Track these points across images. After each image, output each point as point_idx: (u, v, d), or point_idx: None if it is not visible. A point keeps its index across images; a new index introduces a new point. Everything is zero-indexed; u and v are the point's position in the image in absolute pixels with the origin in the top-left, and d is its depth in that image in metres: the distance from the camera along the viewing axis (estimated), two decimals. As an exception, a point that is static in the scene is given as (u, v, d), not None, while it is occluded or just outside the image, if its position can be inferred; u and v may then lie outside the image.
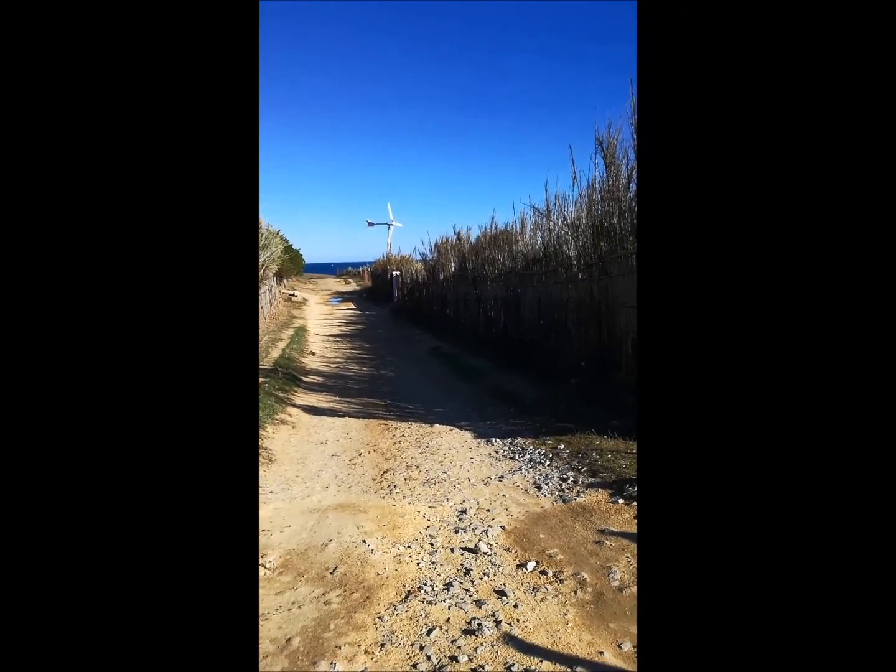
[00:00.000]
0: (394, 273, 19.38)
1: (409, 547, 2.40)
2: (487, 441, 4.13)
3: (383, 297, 20.80)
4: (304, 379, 7.13)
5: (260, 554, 2.31)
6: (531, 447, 3.85)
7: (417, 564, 2.25)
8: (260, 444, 4.13)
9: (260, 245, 11.10)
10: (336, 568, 2.22)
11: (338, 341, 11.16)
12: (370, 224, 34.49)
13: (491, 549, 2.36)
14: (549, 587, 2.04)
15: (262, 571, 2.19)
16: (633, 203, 5.30)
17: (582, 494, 2.93)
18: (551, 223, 7.26)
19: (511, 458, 3.68)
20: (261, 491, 3.20)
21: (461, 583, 2.09)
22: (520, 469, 3.45)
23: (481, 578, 2.12)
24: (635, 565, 2.10)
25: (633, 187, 5.36)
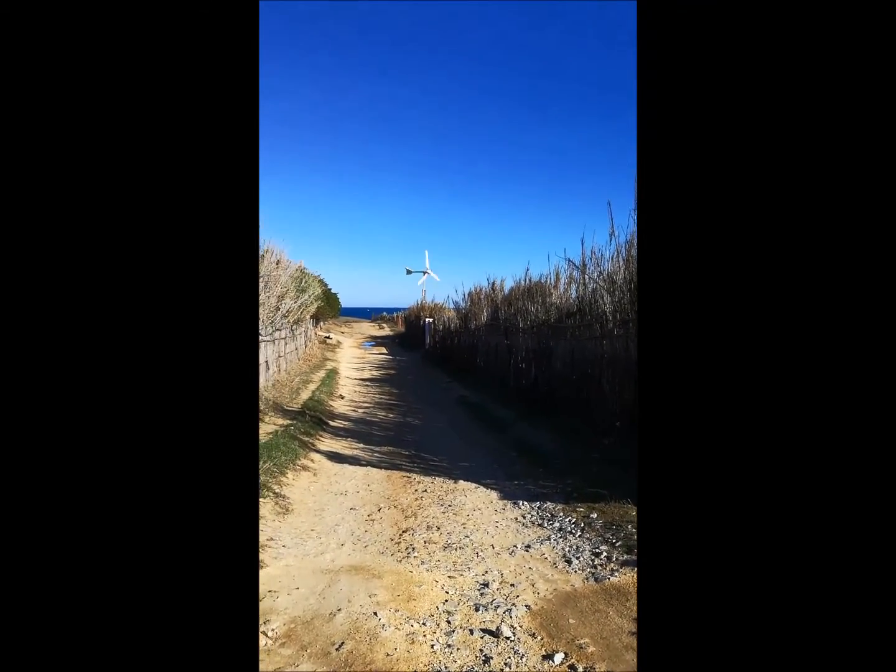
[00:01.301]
0: (427, 320, 19.49)
1: (423, 624, 2.20)
2: (514, 504, 3.89)
3: (415, 343, 20.87)
4: (331, 423, 7.05)
5: (263, 620, 2.15)
6: (561, 514, 3.60)
7: (432, 646, 2.04)
8: (279, 491, 4.01)
9: (299, 287, 11.36)
10: (343, 644, 2.03)
11: (367, 385, 11.12)
12: (409, 272, 35.31)
13: (514, 634, 2.12)
14: (579, 688, 1.80)
15: (262, 640, 2.02)
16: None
17: (616, 573, 2.66)
18: (587, 277, 7.16)
19: (539, 525, 3.44)
20: (273, 544, 3.05)
21: (479, 674, 1.87)
22: (548, 538, 3.20)
23: (502, 670, 1.89)
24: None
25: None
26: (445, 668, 1.90)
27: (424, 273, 34.01)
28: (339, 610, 2.28)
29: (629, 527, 3.22)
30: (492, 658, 1.96)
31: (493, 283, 11.96)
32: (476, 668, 1.90)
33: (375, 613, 2.25)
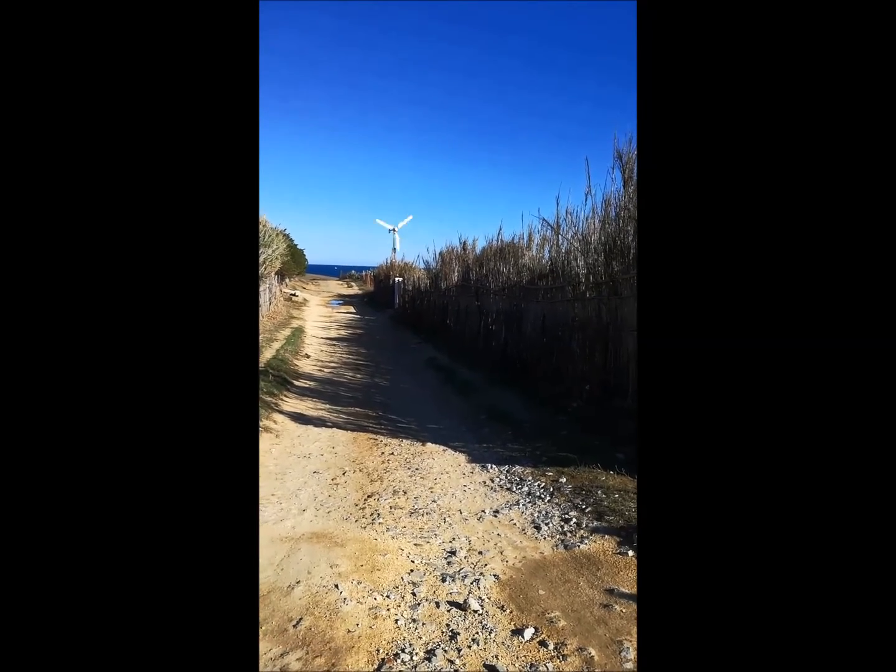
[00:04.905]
0: (396, 279, 19.10)
1: (387, 597, 2.09)
2: (483, 467, 3.82)
3: (384, 302, 20.51)
4: (296, 383, 6.82)
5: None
6: (530, 478, 3.54)
7: (396, 621, 1.93)
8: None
9: (262, 242, 10.82)
10: (301, 620, 1.90)
11: (334, 345, 10.86)
12: (391, 229, 34.72)
13: (482, 607, 2.04)
14: (550, 665, 1.72)
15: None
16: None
17: (586, 541, 2.61)
18: (560, 237, 6.99)
19: (508, 490, 3.37)
20: (230, 511, 2.88)
21: (446, 651, 1.77)
22: (517, 503, 3.13)
23: (469, 646, 1.81)
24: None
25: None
26: (410, 644, 1.80)
27: (394, 230, 33.32)
28: (297, 583, 2.15)
29: (599, 492, 3.19)
30: (459, 634, 1.87)
31: (465, 243, 11.69)
32: (442, 645, 1.81)
33: (337, 586, 2.13)
